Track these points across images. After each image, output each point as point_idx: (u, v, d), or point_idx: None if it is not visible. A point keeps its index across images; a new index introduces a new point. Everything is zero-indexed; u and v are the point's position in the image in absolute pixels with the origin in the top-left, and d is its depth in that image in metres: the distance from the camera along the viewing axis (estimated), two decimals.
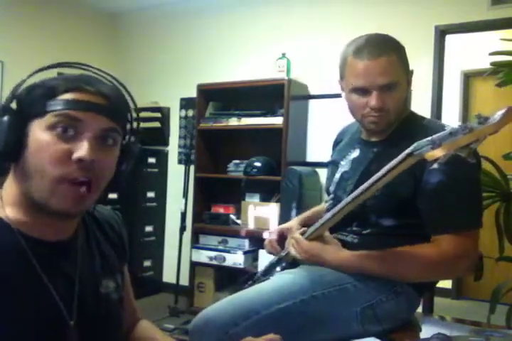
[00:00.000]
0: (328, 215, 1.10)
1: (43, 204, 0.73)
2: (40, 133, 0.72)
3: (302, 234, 1.21)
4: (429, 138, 0.84)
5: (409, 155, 0.88)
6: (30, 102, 0.74)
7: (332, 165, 1.40)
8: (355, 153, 1.31)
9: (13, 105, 0.75)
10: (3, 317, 0.70)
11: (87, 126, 0.73)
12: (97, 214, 0.91)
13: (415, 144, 0.87)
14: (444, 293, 3.83)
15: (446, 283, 3.90)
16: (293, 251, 1.22)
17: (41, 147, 0.71)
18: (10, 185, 0.77)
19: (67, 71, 0.79)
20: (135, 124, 0.85)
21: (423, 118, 1.25)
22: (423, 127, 1.17)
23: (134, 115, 0.85)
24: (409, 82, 1.23)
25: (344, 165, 1.32)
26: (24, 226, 0.75)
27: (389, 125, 1.21)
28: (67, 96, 0.73)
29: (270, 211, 3.17)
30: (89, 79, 0.79)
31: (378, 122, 1.20)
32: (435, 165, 0.84)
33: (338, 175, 1.33)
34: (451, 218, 1.10)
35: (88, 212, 0.88)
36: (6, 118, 0.73)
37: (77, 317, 0.77)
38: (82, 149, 0.71)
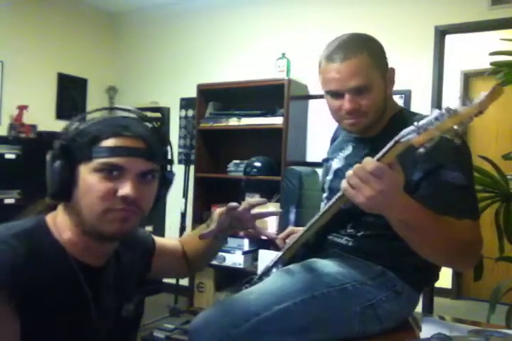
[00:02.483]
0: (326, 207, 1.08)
1: (94, 231, 0.84)
2: (87, 175, 0.82)
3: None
4: (415, 124, 0.83)
5: (397, 142, 0.87)
6: (77, 149, 0.83)
7: (326, 162, 1.40)
8: (348, 150, 1.31)
9: (62, 150, 0.85)
10: (53, 336, 0.80)
11: (129, 168, 0.83)
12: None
13: (402, 132, 0.86)
14: (444, 293, 3.83)
15: (446, 283, 3.90)
16: (363, 189, 0.88)
17: (89, 187, 0.82)
18: (61, 215, 0.88)
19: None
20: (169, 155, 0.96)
21: (414, 114, 1.25)
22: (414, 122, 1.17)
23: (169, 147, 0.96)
24: (389, 80, 1.20)
25: (337, 163, 1.33)
26: (75, 250, 0.86)
27: (369, 125, 1.20)
28: (110, 142, 0.83)
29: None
30: (127, 123, 0.87)
31: (355, 124, 1.19)
32: (421, 149, 0.83)
33: (331, 173, 1.33)
34: (466, 205, 1.08)
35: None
36: (57, 163, 0.83)
37: (107, 334, 0.89)
38: (126, 187, 0.82)
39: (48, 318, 0.79)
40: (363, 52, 1.14)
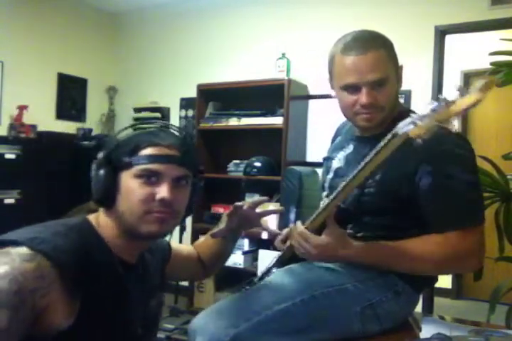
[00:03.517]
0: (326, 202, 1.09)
1: (134, 231, 0.93)
2: (129, 181, 0.93)
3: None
4: (411, 117, 0.83)
5: (394, 136, 0.87)
6: (119, 157, 0.94)
7: (327, 161, 1.39)
8: (349, 150, 1.31)
9: (106, 159, 0.95)
10: (100, 330, 0.88)
11: (165, 174, 0.93)
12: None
13: (399, 124, 0.86)
14: (444, 293, 3.83)
15: (446, 283, 3.90)
16: (300, 250, 1.12)
17: (131, 191, 0.92)
18: (102, 217, 0.97)
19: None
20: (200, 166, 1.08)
21: (416, 113, 1.24)
22: None
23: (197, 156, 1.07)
24: (399, 78, 1.21)
25: (338, 161, 1.32)
26: (115, 247, 0.95)
27: (382, 121, 1.18)
28: (148, 151, 0.93)
29: None
30: (163, 134, 0.99)
31: (371, 119, 1.17)
32: (419, 140, 0.83)
33: (332, 171, 1.33)
34: (455, 214, 1.09)
35: None
36: (102, 171, 0.93)
37: (142, 330, 0.99)
38: (163, 191, 0.91)
39: (95, 305, 0.86)
40: (382, 46, 1.14)
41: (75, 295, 0.83)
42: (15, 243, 0.80)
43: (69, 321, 0.82)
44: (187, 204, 1.02)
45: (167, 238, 1.07)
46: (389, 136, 0.88)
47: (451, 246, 1.07)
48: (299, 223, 1.16)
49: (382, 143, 0.90)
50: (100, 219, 0.97)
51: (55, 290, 0.79)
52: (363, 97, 1.13)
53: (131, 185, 0.92)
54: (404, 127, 0.84)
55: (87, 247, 0.88)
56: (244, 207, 1.20)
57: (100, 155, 0.96)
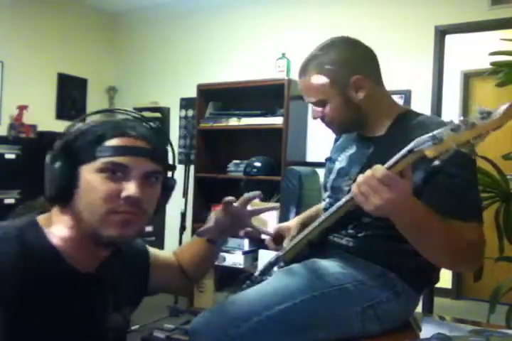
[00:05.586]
0: (330, 211, 1.08)
1: (93, 234, 0.81)
2: (90, 175, 0.80)
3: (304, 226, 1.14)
4: (430, 134, 0.81)
5: (410, 151, 0.86)
6: (80, 148, 0.81)
7: (329, 161, 1.40)
8: (352, 149, 1.31)
9: (63, 151, 0.82)
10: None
11: (133, 168, 0.81)
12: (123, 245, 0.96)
13: (416, 140, 0.85)
14: (444, 293, 3.83)
15: (446, 283, 3.90)
16: (374, 197, 0.90)
17: (92, 187, 0.80)
18: (55, 217, 0.85)
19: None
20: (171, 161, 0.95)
21: (420, 114, 1.25)
22: (418, 123, 1.17)
23: (170, 153, 0.94)
24: (357, 86, 1.19)
25: (341, 162, 1.32)
26: (68, 254, 0.83)
27: (343, 130, 1.31)
28: (114, 142, 0.81)
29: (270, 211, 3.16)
30: (132, 123, 0.87)
31: (330, 129, 1.30)
32: (436, 162, 0.82)
33: (334, 172, 1.33)
34: (461, 208, 1.06)
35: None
36: (58, 164, 0.81)
37: None
38: (130, 188, 0.79)
39: (33, 320, 0.78)
40: (316, 68, 1.21)
41: (7, 303, 0.75)
42: None
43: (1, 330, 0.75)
44: (155, 205, 0.88)
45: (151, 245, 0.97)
46: (404, 151, 0.87)
47: (479, 233, 1.04)
48: (294, 227, 1.31)
49: (397, 157, 0.89)
50: (53, 220, 0.85)
51: None
52: (312, 113, 1.29)
53: (92, 181, 0.79)
54: (421, 144, 0.83)
55: (27, 253, 0.78)
56: (236, 204, 1.08)
57: (57, 144, 0.83)
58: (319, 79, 1.20)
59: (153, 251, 1.09)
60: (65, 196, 0.81)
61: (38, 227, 0.83)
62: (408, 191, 0.91)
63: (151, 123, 0.91)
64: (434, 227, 0.98)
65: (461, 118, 0.78)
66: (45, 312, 0.79)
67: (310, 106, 1.31)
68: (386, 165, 0.89)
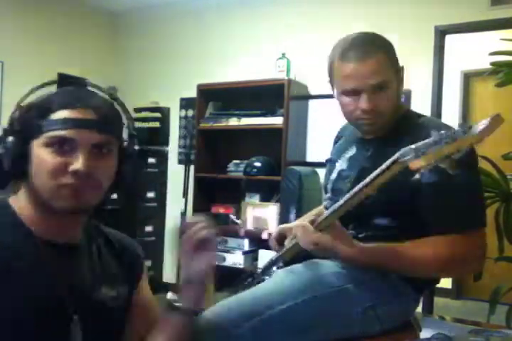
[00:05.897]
0: (329, 211, 1.09)
1: (48, 205, 0.81)
2: (39, 150, 0.80)
3: (312, 223, 1.12)
4: (414, 145, 0.82)
5: (394, 162, 0.87)
6: (28, 123, 0.81)
7: (330, 163, 1.39)
8: (352, 151, 1.30)
9: (16, 126, 0.82)
10: (11, 306, 0.78)
11: (80, 141, 0.80)
12: (110, 235, 0.99)
13: (401, 151, 0.85)
14: (444, 293, 3.83)
15: (446, 283, 3.90)
16: (301, 242, 1.10)
17: (41, 162, 0.79)
18: (21, 194, 0.86)
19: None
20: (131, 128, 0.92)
21: (420, 115, 1.24)
22: (419, 125, 1.16)
23: (128, 120, 0.92)
24: (400, 80, 1.20)
25: (342, 163, 1.32)
26: (39, 228, 0.84)
27: (383, 125, 1.19)
28: (59, 115, 0.80)
29: (270, 211, 3.17)
30: (80, 93, 0.86)
31: (371, 124, 1.18)
32: (417, 176, 0.83)
33: (335, 173, 1.33)
34: (456, 216, 1.08)
35: (94, 227, 0.97)
36: (9, 139, 0.81)
37: (80, 315, 0.84)
38: (77, 162, 0.78)
39: (12, 295, 0.78)
40: (381, 50, 1.14)
41: None
42: None
43: None
44: (114, 173, 0.87)
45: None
46: (390, 161, 0.88)
47: (452, 248, 1.06)
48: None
49: (382, 167, 0.91)
50: (20, 198, 0.86)
51: None
52: (362, 103, 1.13)
53: (41, 155, 0.79)
54: (405, 155, 0.83)
55: None
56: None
57: (8, 120, 0.83)
58: (385, 60, 1.13)
59: (145, 279, 1.04)
60: (18, 172, 0.82)
61: (7, 204, 0.86)
62: (320, 242, 1.06)
63: (104, 93, 0.90)
64: (386, 261, 1.09)
65: (442, 131, 0.78)
66: (24, 284, 0.80)
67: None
68: (368, 179, 0.95)
